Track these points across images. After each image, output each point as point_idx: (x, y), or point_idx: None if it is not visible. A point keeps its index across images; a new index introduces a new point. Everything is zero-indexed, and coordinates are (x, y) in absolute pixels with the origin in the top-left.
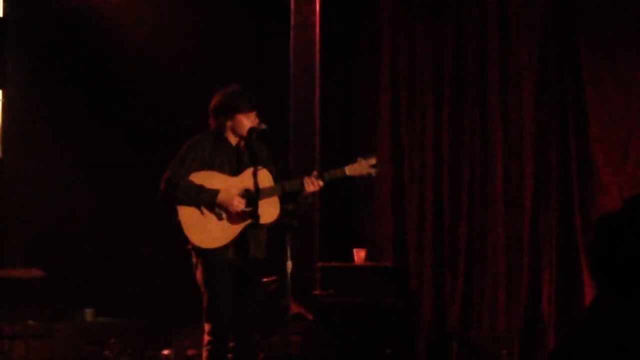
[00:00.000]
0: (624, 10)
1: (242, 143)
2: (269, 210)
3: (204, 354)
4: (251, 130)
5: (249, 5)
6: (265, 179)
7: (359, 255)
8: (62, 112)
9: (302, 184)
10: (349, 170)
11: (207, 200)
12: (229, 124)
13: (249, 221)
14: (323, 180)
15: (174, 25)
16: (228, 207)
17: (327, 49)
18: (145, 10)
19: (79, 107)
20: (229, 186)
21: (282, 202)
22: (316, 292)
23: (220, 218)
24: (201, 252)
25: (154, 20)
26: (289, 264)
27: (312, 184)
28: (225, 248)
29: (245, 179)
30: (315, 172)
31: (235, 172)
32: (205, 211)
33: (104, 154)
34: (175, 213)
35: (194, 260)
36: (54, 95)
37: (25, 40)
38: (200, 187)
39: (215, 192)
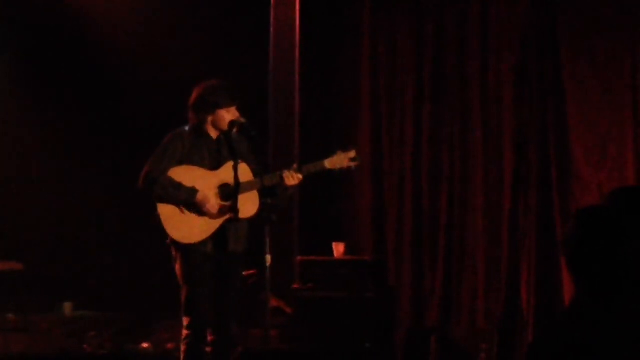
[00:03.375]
0: (605, 8)
1: (222, 137)
2: (248, 205)
3: (183, 347)
4: (231, 123)
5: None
6: (245, 173)
7: (338, 249)
8: (40, 107)
9: (281, 177)
10: (328, 163)
11: (185, 199)
12: (209, 118)
13: (228, 216)
14: (302, 173)
15: (155, 20)
16: (203, 209)
17: (307, 42)
18: (126, 4)
19: (58, 101)
20: (208, 182)
21: (262, 196)
22: (295, 286)
23: (199, 213)
24: (180, 246)
25: (134, 14)
26: (268, 258)
27: (292, 178)
28: (204, 242)
29: (224, 173)
30: (294, 165)
31: (215, 166)
32: (183, 207)
33: (82, 148)
34: (155, 207)
35: (173, 254)
36: (34, 89)
37: (8, 38)
38: (179, 185)
39: (193, 192)
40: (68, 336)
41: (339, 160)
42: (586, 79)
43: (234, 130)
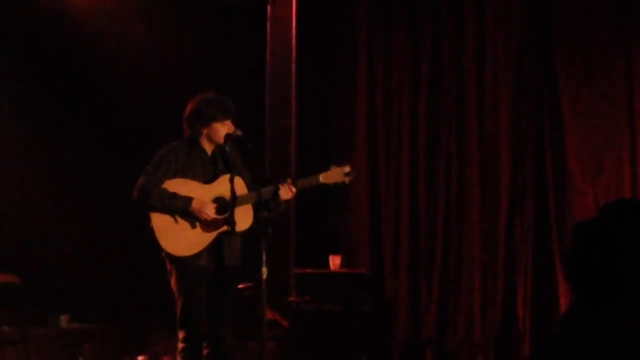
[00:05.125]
0: (600, 19)
1: (217, 150)
2: (243, 218)
3: None
4: (227, 137)
5: (225, 12)
6: (239, 186)
7: (335, 261)
8: (36, 117)
9: (276, 191)
10: (322, 178)
11: (181, 208)
12: (204, 131)
13: (223, 228)
14: (296, 187)
15: (153, 31)
16: (200, 215)
17: (304, 54)
18: (119, 14)
19: (55, 112)
20: (202, 194)
21: (257, 209)
22: (291, 298)
23: (193, 226)
24: (174, 259)
25: (128, 25)
26: (264, 271)
27: (287, 192)
28: (198, 255)
29: (219, 187)
30: (289, 180)
31: (210, 179)
32: (179, 219)
33: (79, 160)
34: (149, 220)
35: (168, 267)
36: (29, 99)
37: (6, 48)
38: (174, 195)
39: (189, 200)
40: (64, 349)
41: (334, 175)
42: (582, 90)
43: (229, 143)
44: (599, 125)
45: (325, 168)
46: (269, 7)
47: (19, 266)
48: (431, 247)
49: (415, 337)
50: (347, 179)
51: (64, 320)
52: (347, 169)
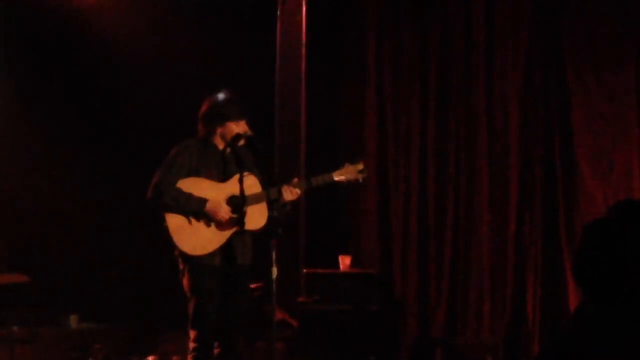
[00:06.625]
0: (609, 18)
1: (229, 149)
2: (255, 217)
3: None
4: (237, 135)
5: (236, 10)
6: (252, 184)
7: (344, 261)
8: (46, 117)
9: (280, 192)
10: (336, 175)
11: (195, 209)
12: (219, 130)
13: (236, 228)
14: (310, 185)
15: (162, 28)
16: (215, 217)
17: (313, 53)
18: (131, 12)
19: (65, 112)
20: (216, 193)
21: (268, 208)
22: (301, 298)
23: (208, 225)
24: (188, 258)
25: (140, 22)
26: (274, 270)
27: (290, 192)
28: (212, 255)
29: (232, 186)
30: (295, 180)
31: (223, 178)
32: (193, 218)
33: (89, 159)
34: (163, 219)
35: (181, 266)
36: (38, 99)
37: (7, 43)
38: (189, 195)
39: (204, 201)
40: (73, 348)
41: (347, 173)
42: (591, 90)
43: (241, 142)
44: (608, 126)
45: (337, 165)
46: (279, 4)
47: (29, 266)
48: (440, 248)
49: (424, 336)
50: (360, 177)
51: (73, 320)
52: (360, 166)
